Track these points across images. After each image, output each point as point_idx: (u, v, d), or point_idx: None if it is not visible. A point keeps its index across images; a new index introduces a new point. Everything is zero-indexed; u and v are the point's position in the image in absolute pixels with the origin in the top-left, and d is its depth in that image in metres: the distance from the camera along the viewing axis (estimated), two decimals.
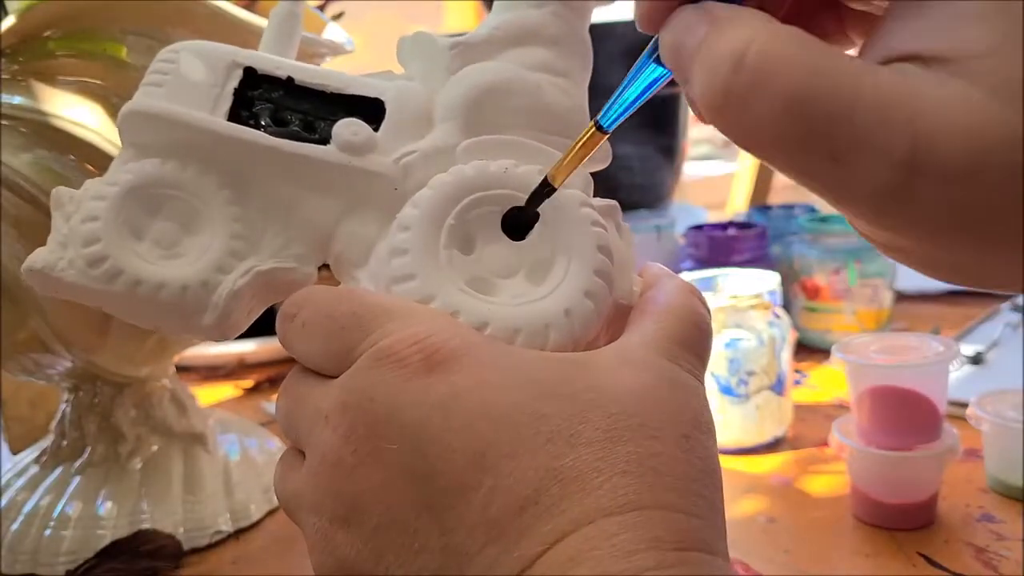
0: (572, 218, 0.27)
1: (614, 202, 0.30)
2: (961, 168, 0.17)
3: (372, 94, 0.30)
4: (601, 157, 0.31)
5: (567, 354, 0.25)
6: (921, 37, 0.18)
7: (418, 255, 0.26)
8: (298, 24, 0.33)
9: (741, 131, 0.19)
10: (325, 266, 0.30)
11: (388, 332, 0.24)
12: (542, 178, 0.27)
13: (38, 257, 0.28)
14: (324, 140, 0.29)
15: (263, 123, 0.29)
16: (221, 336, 0.29)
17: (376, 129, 0.29)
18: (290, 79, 0.30)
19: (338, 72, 0.31)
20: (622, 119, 0.24)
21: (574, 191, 0.28)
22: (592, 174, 0.30)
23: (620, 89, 0.24)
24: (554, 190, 0.27)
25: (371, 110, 0.30)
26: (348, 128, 0.29)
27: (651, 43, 0.22)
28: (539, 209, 0.27)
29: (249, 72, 0.30)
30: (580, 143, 0.25)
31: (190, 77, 0.30)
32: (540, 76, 0.30)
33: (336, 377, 0.24)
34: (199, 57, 0.30)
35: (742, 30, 0.19)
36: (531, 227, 0.27)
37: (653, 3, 0.21)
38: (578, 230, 0.27)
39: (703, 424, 0.24)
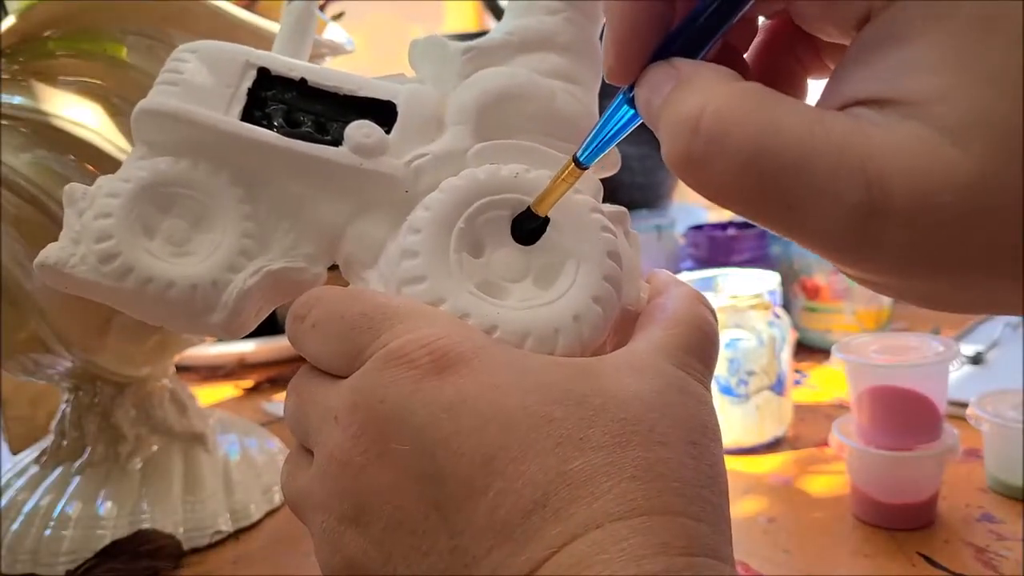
0: (582, 223, 0.27)
1: (623, 208, 0.30)
2: (917, 208, 0.18)
3: (384, 96, 0.30)
4: (611, 164, 0.31)
5: (576, 359, 0.25)
6: (875, 81, 0.19)
7: (428, 257, 0.26)
8: (312, 24, 0.33)
9: (704, 188, 0.20)
10: (334, 267, 0.30)
11: (398, 334, 0.24)
12: (525, 207, 0.27)
13: (50, 252, 0.28)
14: (336, 142, 0.29)
15: (276, 124, 0.30)
16: (230, 335, 0.29)
17: (388, 132, 0.29)
18: (303, 80, 0.30)
19: (351, 74, 0.31)
20: (599, 156, 0.25)
21: (584, 197, 0.28)
22: None
23: (597, 128, 0.25)
24: (539, 219, 0.27)
25: (383, 113, 0.30)
26: (360, 130, 0.29)
27: (626, 88, 0.23)
28: (549, 214, 0.27)
29: (263, 73, 0.30)
30: (560, 177, 0.26)
31: (204, 77, 0.30)
32: (553, 82, 0.30)
33: (346, 377, 0.25)
34: (213, 57, 0.30)
35: (699, 93, 0.20)
36: (541, 232, 0.27)
37: (617, 62, 0.22)
38: (588, 235, 0.27)
39: (710, 431, 0.24)
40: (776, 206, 0.19)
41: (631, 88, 0.23)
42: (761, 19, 0.26)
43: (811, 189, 0.18)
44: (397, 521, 0.22)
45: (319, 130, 0.30)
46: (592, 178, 0.29)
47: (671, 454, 0.22)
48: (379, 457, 0.23)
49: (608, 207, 0.29)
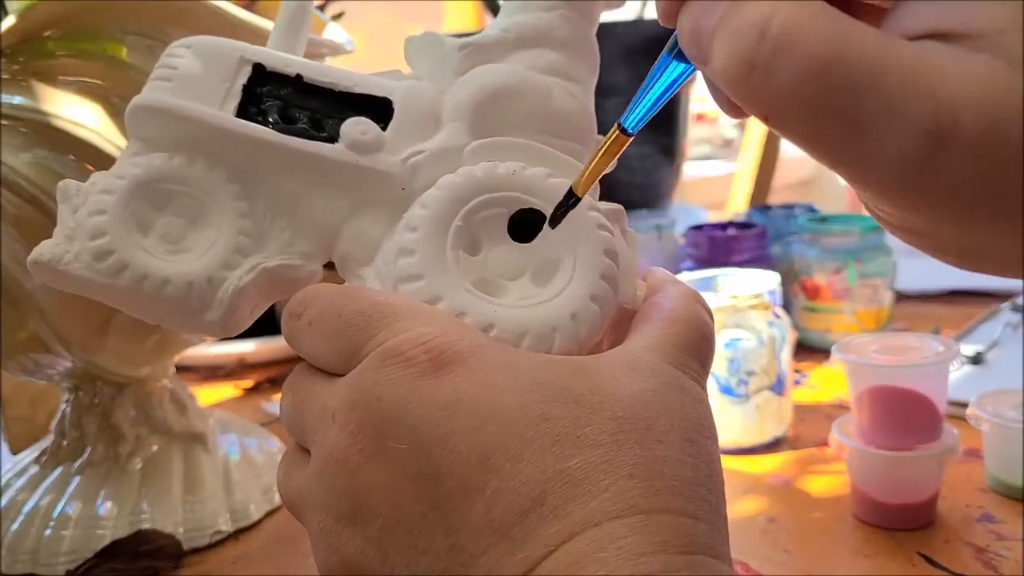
0: (579, 221, 0.27)
1: (620, 206, 0.30)
2: (983, 139, 0.17)
3: (380, 93, 0.30)
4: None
5: (573, 358, 0.25)
6: (940, 15, 0.18)
7: (425, 255, 0.26)
8: (307, 21, 0.33)
9: (764, 100, 0.19)
10: (329, 264, 0.30)
11: (396, 332, 0.24)
12: (567, 188, 0.27)
13: (44, 249, 0.28)
14: (332, 138, 0.29)
15: (271, 120, 0.30)
16: (225, 332, 0.29)
17: (384, 128, 0.29)
18: (299, 76, 0.30)
19: (347, 71, 0.31)
20: (646, 119, 0.24)
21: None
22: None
23: (642, 89, 0.24)
24: (579, 200, 0.27)
25: (379, 109, 0.30)
26: (357, 127, 0.29)
27: (670, 39, 0.22)
28: (545, 212, 0.27)
29: (258, 69, 0.30)
30: (604, 147, 0.25)
31: (199, 72, 0.30)
32: (549, 79, 0.30)
33: (343, 376, 0.25)
34: (208, 53, 0.30)
35: (764, 2, 0.19)
36: (538, 229, 0.27)
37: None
38: (585, 234, 0.27)
39: (707, 429, 0.24)
40: (840, 123, 0.18)
41: (671, 43, 0.22)
42: None
43: (881, 108, 0.18)
44: (394, 520, 0.22)
45: (315, 127, 0.30)
46: None
47: (668, 452, 0.22)
48: (376, 455, 0.23)
49: (605, 205, 0.29)
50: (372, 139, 0.29)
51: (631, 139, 0.25)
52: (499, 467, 0.21)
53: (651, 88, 0.24)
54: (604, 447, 0.22)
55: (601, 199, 0.30)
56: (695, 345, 0.26)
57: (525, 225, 0.28)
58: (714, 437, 0.24)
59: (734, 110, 0.23)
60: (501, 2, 1.10)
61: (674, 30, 0.22)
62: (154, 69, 0.30)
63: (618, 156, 0.25)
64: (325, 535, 0.24)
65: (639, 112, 0.24)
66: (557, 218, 0.27)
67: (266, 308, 0.31)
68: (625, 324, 0.27)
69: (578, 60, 0.31)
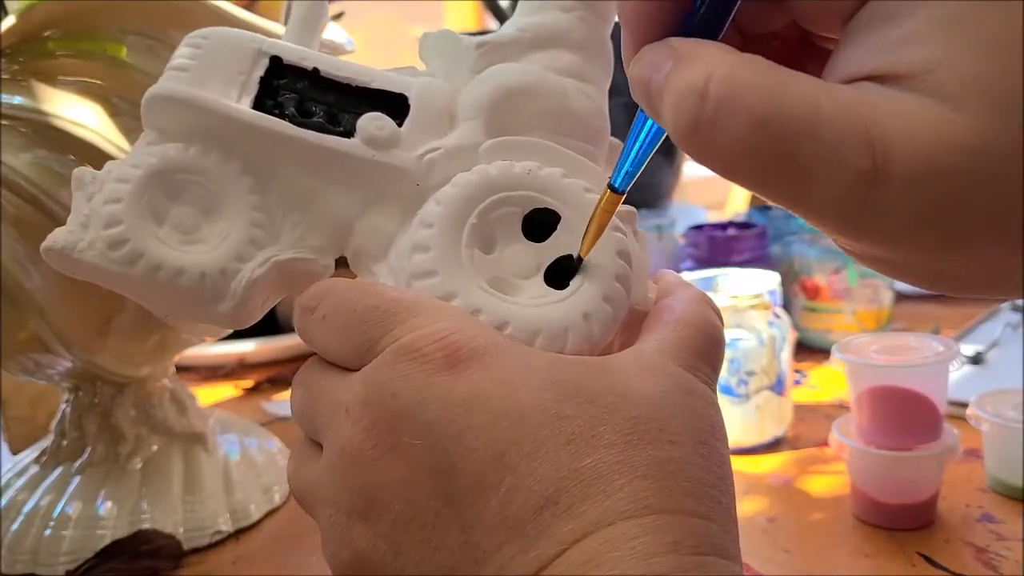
0: None
1: (632, 208, 0.30)
2: (920, 173, 0.18)
3: (397, 89, 0.30)
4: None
5: (586, 358, 0.25)
6: (876, 58, 0.19)
7: (440, 252, 0.26)
8: (321, 18, 0.33)
9: (711, 156, 0.20)
10: (341, 260, 0.30)
11: (411, 328, 0.24)
12: (579, 189, 0.27)
13: (58, 236, 0.28)
14: (348, 133, 0.29)
15: (288, 113, 0.29)
16: (236, 324, 0.29)
17: (400, 125, 0.29)
18: (316, 70, 0.30)
19: (363, 66, 0.31)
20: (635, 176, 0.25)
21: (596, 195, 0.28)
22: None
23: (626, 149, 0.25)
24: (580, 262, 0.27)
25: (395, 105, 0.30)
26: (373, 122, 0.29)
27: None
28: (560, 212, 0.27)
29: (275, 61, 0.30)
30: (599, 209, 0.26)
31: (216, 64, 0.30)
32: (565, 80, 0.30)
33: (356, 370, 0.25)
34: (225, 44, 0.30)
35: (704, 62, 0.20)
36: (552, 229, 0.27)
37: (629, 47, 0.22)
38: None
39: (718, 432, 0.24)
40: (783, 173, 0.19)
41: None
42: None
43: (818, 154, 0.18)
44: (408, 515, 0.22)
45: (331, 121, 0.30)
46: (603, 177, 0.30)
47: (681, 453, 0.22)
48: (390, 451, 0.23)
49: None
50: (388, 135, 0.29)
51: (623, 196, 0.26)
52: (514, 464, 0.21)
53: (634, 146, 0.24)
54: (618, 447, 0.22)
55: None
56: (706, 348, 0.26)
57: (539, 224, 0.28)
58: (724, 440, 0.25)
59: None
60: (504, 3, 1.09)
61: None
62: (171, 59, 0.30)
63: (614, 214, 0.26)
64: (336, 529, 0.24)
65: (625, 170, 0.25)
66: (557, 278, 0.27)
67: (277, 301, 0.31)
68: (636, 326, 0.28)
69: (593, 61, 0.31)
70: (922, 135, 0.18)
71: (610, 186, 0.26)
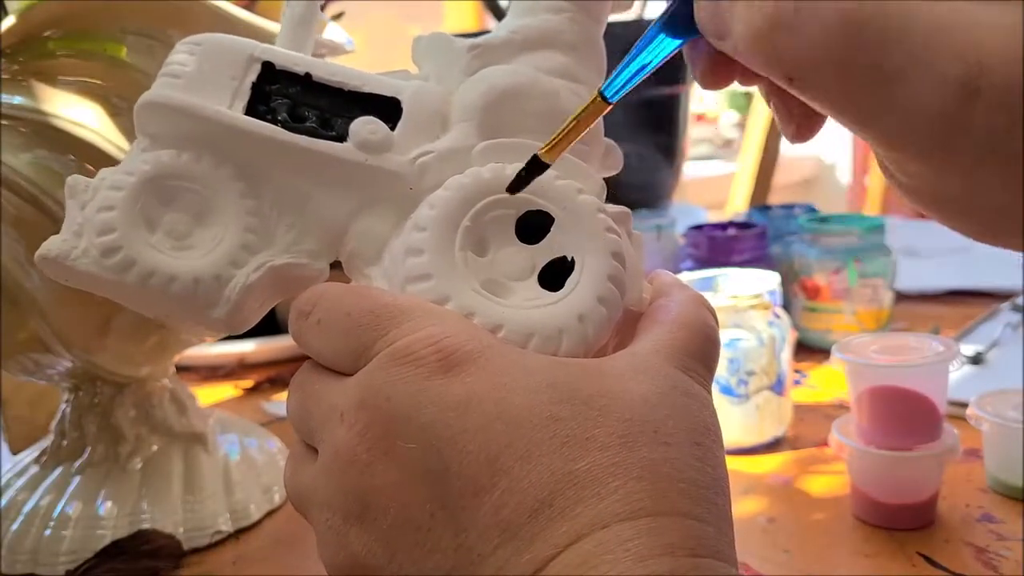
0: (586, 224, 0.27)
1: (627, 209, 0.30)
2: (1016, 93, 0.17)
3: (389, 93, 0.30)
4: (613, 163, 0.31)
5: (581, 360, 0.25)
6: None
7: (434, 255, 0.26)
8: (314, 20, 0.33)
9: (789, 60, 0.18)
10: (336, 264, 0.30)
11: (405, 332, 0.24)
12: (575, 190, 0.27)
13: (52, 245, 0.28)
14: (341, 137, 0.29)
15: (280, 118, 0.30)
16: (231, 330, 0.29)
17: (392, 128, 0.29)
18: (308, 75, 0.30)
19: (356, 70, 0.31)
20: (627, 89, 0.24)
21: (589, 197, 0.28)
22: None
23: (626, 60, 0.24)
24: (545, 167, 0.27)
25: (387, 109, 0.30)
26: (366, 126, 0.29)
27: (661, 15, 0.23)
28: (554, 214, 0.27)
29: (267, 67, 0.30)
30: (581, 113, 0.25)
31: (208, 69, 0.30)
32: (557, 81, 0.30)
33: (351, 375, 0.25)
34: (218, 50, 0.30)
35: None
36: (545, 231, 0.27)
37: None
38: (592, 236, 0.27)
39: (713, 433, 0.24)
40: (869, 80, 0.18)
41: (669, 14, 0.22)
42: None
43: (910, 60, 0.17)
44: (403, 519, 0.22)
45: (323, 125, 0.30)
46: (596, 178, 0.29)
47: (676, 455, 0.22)
48: (385, 455, 0.23)
49: (611, 207, 0.29)
50: (381, 139, 0.29)
51: (610, 107, 0.25)
52: (508, 467, 0.21)
53: (635, 59, 0.24)
54: (613, 449, 0.22)
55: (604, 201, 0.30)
56: (701, 349, 0.26)
57: (533, 226, 0.28)
58: (720, 441, 0.25)
59: (712, 78, 0.23)
60: (504, 3, 1.09)
61: (669, 5, 0.22)
62: (164, 65, 0.30)
63: (592, 125, 0.25)
64: (332, 533, 0.24)
65: (620, 81, 0.24)
66: (517, 185, 0.27)
67: (273, 306, 0.31)
68: (630, 327, 0.28)
69: (585, 62, 0.31)
70: (1020, 48, 0.17)
71: (600, 92, 0.25)
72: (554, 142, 0.26)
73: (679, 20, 0.22)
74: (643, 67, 0.24)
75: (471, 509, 0.22)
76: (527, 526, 0.21)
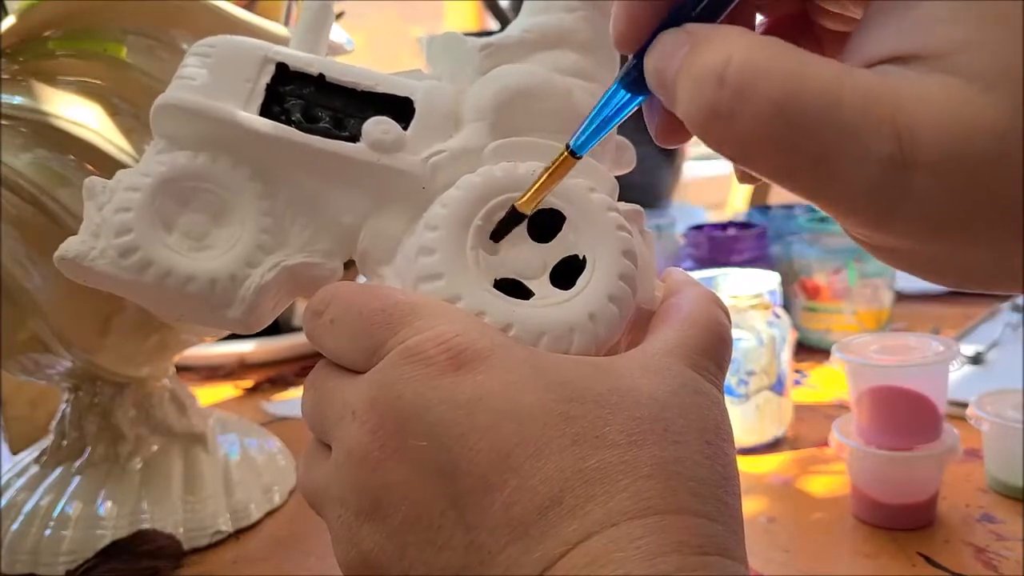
0: (598, 222, 0.27)
1: (639, 207, 0.30)
2: (947, 158, 0.17)
3: (402, 93, 0.30)
4: (626, 162, 0.31)
5: (591, 358, 0.25)
6: (897, 39, 0.18)
7: (445, 254, 0.26)
8: (329, 20, 0.33)
9: (729, 142, 0.19)
10: (350, 262, 0.31)
11: (417, 330, 0.24)
12: (585, 190, 0.27)
13: (70, 246, 0.28)
14: (354, 137, 0.29)
15: (294, 119, 0.30)
16: (246, 329, 0.30)
17: (405, 128, 0.30)
18: (321, 76, 0.31)
19: (368, 70, 0.31)
20: (593, 143, 0.25)
21: (601, 195, 0.28)
22: None
23: (592, 114, 0.25)
24: (524, 217, 0.27)
25: (400, 109, 0.30)
26: (378, 126, 0.29)
27: (622, 70, 0.23)
28: (565, 212, 0.27)
29: (281, 68, 0.31)
30: (552, 168, 0.26)
31: (224, 72, 0.30)
32: (570, 80, 0.30)
33: (364, 373, 0.25)
34: (232, 52, 0.31)
35: (721, 45, 0.19)
36: (557, 230, 0.28)
37: (628, 26, 0.22)
38: (604, 234, 0.27)
39: (723, 432, 0.24)
40: (805, 159, 0.18)
41: (627, 72, 0.23)
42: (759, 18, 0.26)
43: (840, 139, 0.18)
44: (413, 516, 0.23)
45: (337, 126, 0.30)
46: (608, 176, 0.30)
47: (686, 453, 0.22)
48: (396, 452, 0.23)
49: (623, 206, 0.29)
50: (394, 138, 0.29)
51: (578, 160, 0.25)
52: (518, 465, 0.22)
53: (599, 114, 0.24)
54: (622, 447, 0.22)
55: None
56: (712, 348, 0.26)
57: (544, 225, 0.28)
58: (731, 440, 0.25)
59: (666, 136, 0.24)
60: (504, 3, 1.09)
61: (631, 59, 0.23)
62: (179, 67, 0.31)
63: (564, 177, 0.26)
64: (345, 530, 0.24)
65: (585, 135, 0.25)
66: (498, 234, 0.27)
67: (287, 305, 0.31)
68: (643, 325, 0.28)
69: (598, 61, 0.32)
70: (948, 118, 0.17)
71: (568, 147, 0.25)
72: (529, 194, 0.26)
73: (636, 78, 0.23)
74: (606, 121, 0.24)
75: (481, 507, 0.22)
76: (537, 524, 0.21)
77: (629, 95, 0.23)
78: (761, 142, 0.19)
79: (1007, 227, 0.18)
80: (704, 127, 0.19)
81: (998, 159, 0.17)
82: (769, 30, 0.26)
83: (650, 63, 0.21)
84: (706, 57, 0.19)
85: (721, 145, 0.20)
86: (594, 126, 0.25)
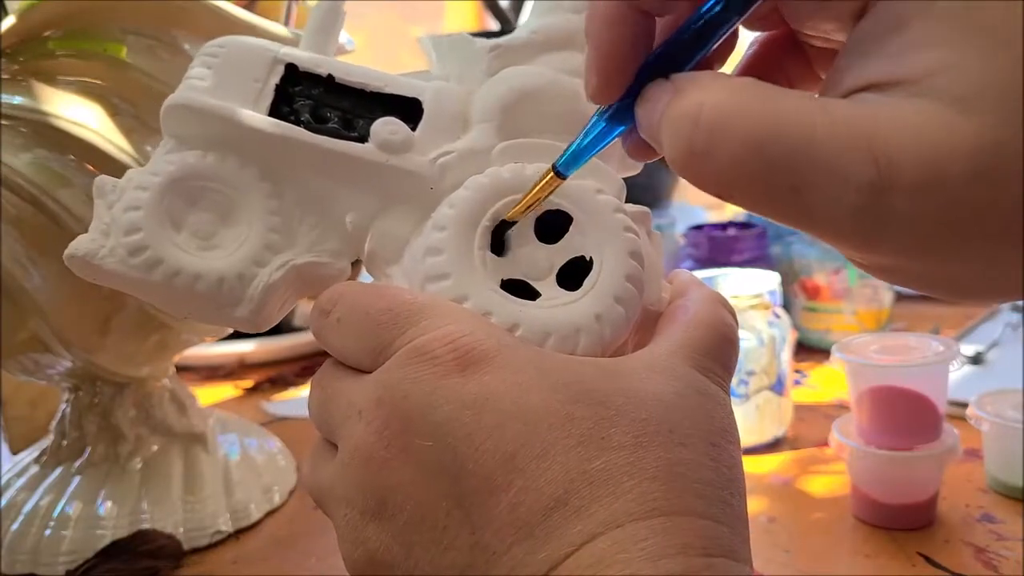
0: (605, 223, 0.27)
1: (646, 208, 0.30)
2: (926, 180, 0.18)
3: (410, 94, 0.31)
4: (633, 164, 0.31)
5: (597, 359, 0.25)
6: (877, 66, 0.19)
7: (453, 255, 0.27)
8: (339, 21, 0.33)
9: (709, 181, 0.20)
10: (357, 262, 0.31)
11: (423, 330, 0.24)
12: (593, 190, 0.28)
13: (80, 244, 0.28)
14: (363, 138, 0.30)
15: (303, 119, 0.30)
16: (254, 328, 0.30)
17: (413, 129, 0.30)
18: (330, 77, 0.31)
19: (377, 71, 0.31)
20: (578, 166, 0.26)
21: (608, 197, 0.28)
22: None
23: (577, 140, 0.25)
24: (510, 225, 0.28)
25: (409, 110, 0.30)
26: (387, 127, 0.29)
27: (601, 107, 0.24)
28: (572, 214, 0.28)
29: (290, 68, 0.31)
30: (538, 187, 0.27)
31: (233, 72, 0.30)
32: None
33: (370, 372, 0.25)
34: (242, 53, 0.31)
35: (697, 91, 0.20)
36: (564, 231, 0.28)
37: (600, 80, 0.23)
38: (611, 235, 0.27)
39: (729, 433, 0.24)
40: (782, 191, 0.19)
41: (605, 109, 0.24)
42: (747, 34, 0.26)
43: (817, 170, 0.18)
44: (419, 516, 0.23)
45: (345, 126, 0.30)
46: (616, 178, 0.30)
47: (691, 455, 0.22)
48: (402, 452, 0.23)
49: (631, 207, 0.29)
50: (402, 139, 0.29)
51: (563, 181, 0.26)
52: (524, 466, 0.22)
53: (585, 141, 0.25)
54: (628, 449, 0.22)
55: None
56: (719, 349, 0.26)
57: (551, 226, 0.28)
58: (736, 441, 0.25)
59: (638, 154, 0.25)
60: (504, 4, 1.09)
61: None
62: (189, 68, 0.31)
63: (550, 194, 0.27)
64: (350, 529, 0.24)
65: (568, 158, 0.26)
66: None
67: (294, 304, 0.31)
68: (650, 326, 0.28)
69: None
70: (927, 141, 0.17)
71: (554, 167, 0.26)
72: (514, 209, 0.27)
73: (613, 114, 0.24)
74: (589, 147, 0.25)
75: (486, 507, 0.22)
76: (542, 525, 0.21)
77: (608, 125, 0.25)
78: (738, 179, 0.19)
79: (996, 243, 0.18)
80: (684, 166, 0.20)
81: (979, 179, 0.17)
82: (759, 49, 0.27)
83: (641, 114, 0.23)
84: (683, 101, 0.20)
85: (701, 182, 0.21)
86: (578, 151, 0.26)
